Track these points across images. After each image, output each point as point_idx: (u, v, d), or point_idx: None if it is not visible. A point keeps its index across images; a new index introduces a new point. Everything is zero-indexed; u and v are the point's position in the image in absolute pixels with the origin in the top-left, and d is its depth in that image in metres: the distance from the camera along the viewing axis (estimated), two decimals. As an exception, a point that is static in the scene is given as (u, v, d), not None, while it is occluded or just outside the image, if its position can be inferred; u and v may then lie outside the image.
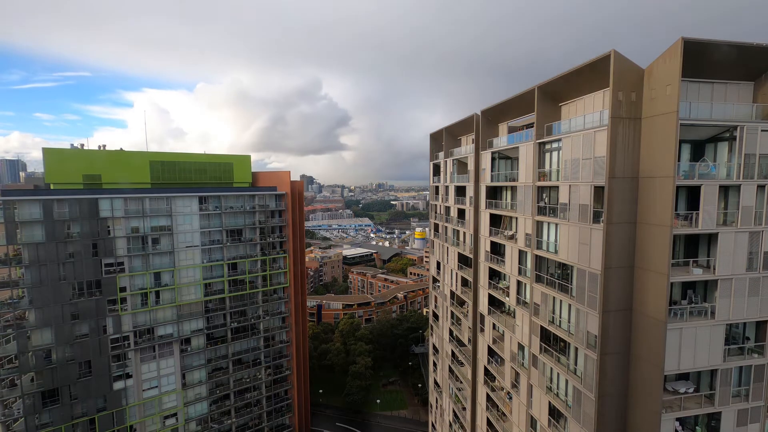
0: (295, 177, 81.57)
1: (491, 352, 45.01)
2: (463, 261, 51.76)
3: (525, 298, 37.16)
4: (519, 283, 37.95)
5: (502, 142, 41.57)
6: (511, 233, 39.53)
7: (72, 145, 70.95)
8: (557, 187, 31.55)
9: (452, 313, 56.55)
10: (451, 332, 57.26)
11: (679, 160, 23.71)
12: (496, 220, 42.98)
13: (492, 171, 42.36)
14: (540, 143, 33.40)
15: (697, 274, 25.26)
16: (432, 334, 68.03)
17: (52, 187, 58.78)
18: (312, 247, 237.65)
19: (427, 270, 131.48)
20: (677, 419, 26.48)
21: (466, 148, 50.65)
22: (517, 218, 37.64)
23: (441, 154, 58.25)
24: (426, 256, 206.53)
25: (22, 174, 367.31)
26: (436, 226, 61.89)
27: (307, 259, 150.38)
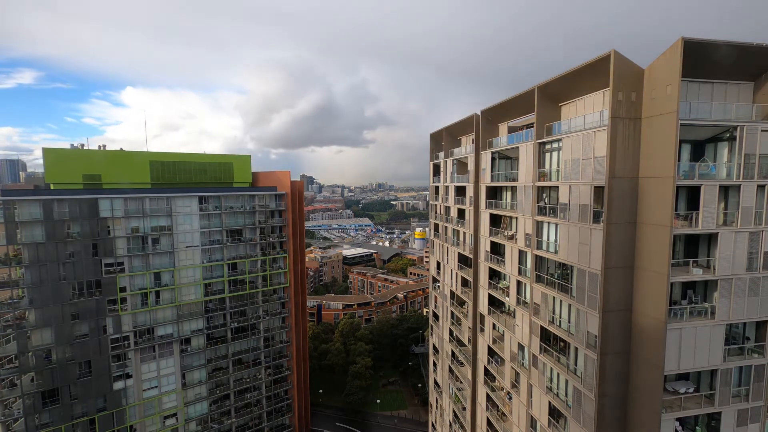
0: (296, 176, 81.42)
1: (491, 352, 45.01)
2: (463, 261, 51.76)
3: (525, 298, 37.16)
4: (519, 283, 37.95)
5: (502, 142, 41.59)
6: (511, 233, 39.53)
7: (72, 145, 71.01)
8: (557, 187, 31.55)
9: (452, 313, 56.55)
10: (451, 332, 57.26)
11: (679, 160, 23.71)
12: (496, 220, 43.00)
13: (492, 171, 42.37)
14: (540, 143, 33.42)
15: (697, 274, 25.25)
16: (432, 334, 68.03)
17: (52, 187, 58.76)
18: (312, 247, 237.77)
19: (427, 270, 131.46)
20: (677, 419, 26.50)
21: (466, 148, 50.66)
22: (517, 218, 37.63)
23: (441, 154, 58.23)
24: (426, 256, 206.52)
25: (22, 174, 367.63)
26: (436, 226, 61.88)
27: (307, 259, 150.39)
